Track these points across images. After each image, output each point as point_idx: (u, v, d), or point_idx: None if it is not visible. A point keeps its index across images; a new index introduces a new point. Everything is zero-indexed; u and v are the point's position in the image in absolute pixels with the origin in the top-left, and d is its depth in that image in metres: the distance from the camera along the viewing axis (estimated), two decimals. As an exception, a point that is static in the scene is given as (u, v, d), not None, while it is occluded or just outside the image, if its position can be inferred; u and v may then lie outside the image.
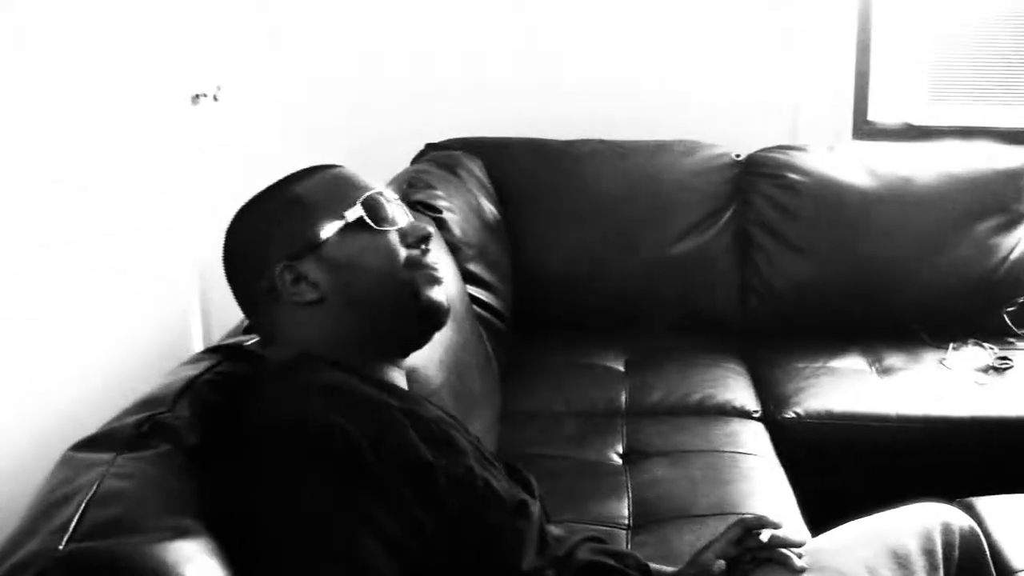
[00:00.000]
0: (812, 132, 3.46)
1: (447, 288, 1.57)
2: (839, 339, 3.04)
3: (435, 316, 1.50)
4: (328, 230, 1.43)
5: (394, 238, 1.47)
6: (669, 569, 1.65)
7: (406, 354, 1.52)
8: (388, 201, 1.48)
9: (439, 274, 1.49)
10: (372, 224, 1.45)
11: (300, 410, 1.28)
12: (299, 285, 1.42)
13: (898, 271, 3.13)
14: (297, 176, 1.52)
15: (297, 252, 1.43)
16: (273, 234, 1.45)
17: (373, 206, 1.46)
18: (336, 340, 1.43)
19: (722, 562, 1.55)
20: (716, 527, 2.07)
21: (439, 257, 1.51)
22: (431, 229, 1.51)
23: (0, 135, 1.98)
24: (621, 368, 2.93)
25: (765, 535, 1.56)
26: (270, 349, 1.49)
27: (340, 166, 1.52)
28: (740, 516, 2.09)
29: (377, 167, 2.93)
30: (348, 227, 1.44)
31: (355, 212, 1.44)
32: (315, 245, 1.43)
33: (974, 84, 3.54)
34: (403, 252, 1.47)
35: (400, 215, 1.49)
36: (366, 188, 1.48)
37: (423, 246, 1.49)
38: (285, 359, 1.43)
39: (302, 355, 1.41)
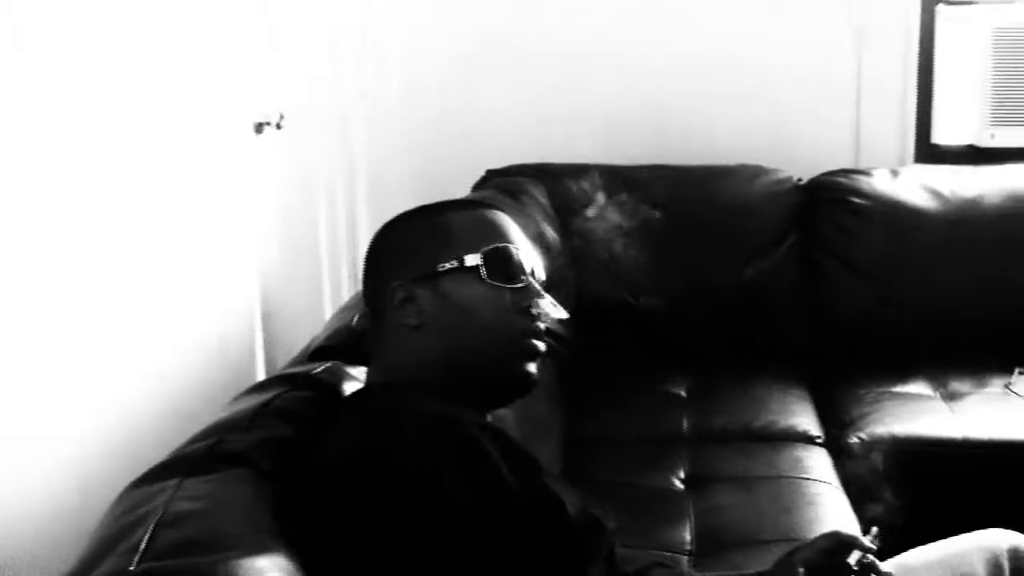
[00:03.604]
0: (874, 156, 3.43)
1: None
2: (904, 364, 3.00)
3: (522, 390, 1.49)
4: (448, 265, 1.43)
5: (508, 297, 1.44)
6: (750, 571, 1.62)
7: (483, 409, 1.47)
8: (515, 259, 1.46)
9: (542, 347, 1.47)
10: (484, 275, 1.43)
11: (384, 438, 1.29)
12: (406, 306, 1.43)
13: (964, 295, 3.08)
14: (456, 204, 1.55)
15: (418, 276, 1.44)
16: (412, 251, 1.47)
17: (495, 259, 1.44)
18: (420, 369, 1.42)
19: (802, 570, 1.50)
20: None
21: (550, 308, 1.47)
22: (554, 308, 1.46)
23: (89, 164, 2.03)
24: (683, 393, 2.92)
25: (854, 556, 1.51)
26: (371, 363, 1.51)
27: (500, 210, 1.52)
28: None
29: (438, 193, 2.94)
30: (467, 270, 1.43)
31: (474, 259, 1.44)
32: (434, 275, 1.44)
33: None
34: (514, 315, 1.44)
35: (526, 275, 1.46)
36: (501, 239, 1.47)
37: (535, 312, 1.45)
38: (376, 382, 1.46)
39: (392, 381, 1.44)
